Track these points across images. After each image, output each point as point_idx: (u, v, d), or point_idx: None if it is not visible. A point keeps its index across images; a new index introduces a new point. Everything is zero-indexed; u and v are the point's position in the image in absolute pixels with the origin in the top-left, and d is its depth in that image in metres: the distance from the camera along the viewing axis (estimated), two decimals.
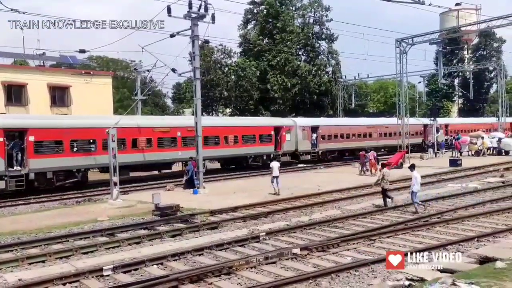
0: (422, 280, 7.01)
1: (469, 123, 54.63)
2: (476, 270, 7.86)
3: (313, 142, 36.09)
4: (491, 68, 64.22)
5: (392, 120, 45.08)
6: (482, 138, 37.54)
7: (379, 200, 17.42)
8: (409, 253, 9.87)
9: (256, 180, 26.63)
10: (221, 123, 32.20)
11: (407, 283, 7.20)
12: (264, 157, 32.60)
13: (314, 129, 36.43)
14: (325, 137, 37.15)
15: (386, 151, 41.20)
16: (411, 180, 15.46)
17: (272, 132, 33.28)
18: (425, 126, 45.68)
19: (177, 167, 31.02)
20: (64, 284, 8.84)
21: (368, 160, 26.71)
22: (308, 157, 36.28)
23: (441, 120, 47.66)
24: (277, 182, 19.45)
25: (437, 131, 43.74)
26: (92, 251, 11.29)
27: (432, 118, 42.15)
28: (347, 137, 38.96)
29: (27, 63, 40.01)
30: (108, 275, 9.25)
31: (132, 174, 26.20)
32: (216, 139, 29.75)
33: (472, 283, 6.48)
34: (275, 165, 19.86)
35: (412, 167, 16.16)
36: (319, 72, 55.99)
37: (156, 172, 28.95)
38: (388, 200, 15.94)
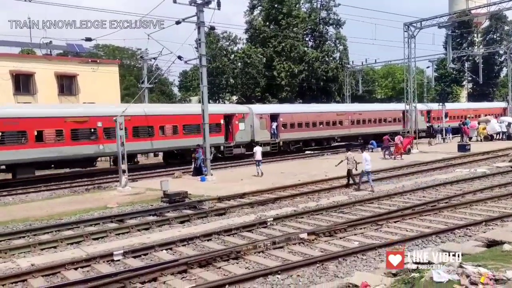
0: (429, 263, 7.03)
1: (456, 108, 50.02)
2: (484, 253, 7.88)
3: (273, 131, 32.45)
4: (501, 52, 63.24)
5: (368, 106, 43.81)
6: (479, 123, 37.33)
7: (386, 186, 17.46)
8: (416, 238, 9.99)
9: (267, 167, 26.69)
10: (156, 111, 27.43)
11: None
12: (212, 149, 27.80)
13: (274, 117, 32.66)
14: (287, 126, 33.37)
15: (363, 141, 36.31)
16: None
17: (222, 121, 29.33)
18: (403, 112, 41.07)
19: (105, 163, 27.70)
20: (75, 269, 9.01)
21: (393, 145, 27.32)
22: (268, 148, 31.95)
23: (420, 106, 43.26)
24: (259, 165, 21.57)
25: (428, 117, 44.21)
26: (102, 237, 11.47)
27: (441, 103, 41.79)
28: (313, 126, 35.05)
29: (34, 52, 40.17)
30: (118, 260, 9.41)
31: (39, 172, 23.49)
32: (150, 130, 25.90)
33: (479, 265, 6.48)
34: (258, 150, 21.96)
35: (362, 149, 18.91)
36: (326, 58, 55.60)
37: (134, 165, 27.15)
38: (371, 182, 16.75)
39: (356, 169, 17.41)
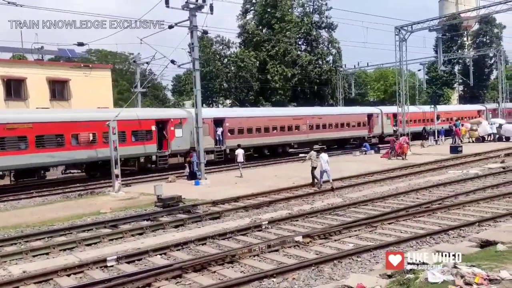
0: (423, 264, 7.06)
1: (427, 111, 45.72)
2: (477, 254, 7.92)
3: (218, 138, 29.39)
4: (491, 55, 63.91)
5: (329, 110, 41.07)
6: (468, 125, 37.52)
7: (380, 188, 17.54)
8: (410, 239, 10.03)
9: (260, 170, 26.70)
10: (68, 118, 23.24)
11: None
12: (142, 160, 25.83)
13: (219, 121, 29.65)
14: (234, 132, 30.22)
15: (324, 147, 30.94)
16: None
17: (153, 127, 25.94)
18: (370, 115, 40.80)
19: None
20: (68, 275, 8.91)
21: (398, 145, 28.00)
22: (212, 156, 29.29)
23: (386, 109, 42.88)
24: (241, 165, 22.81)
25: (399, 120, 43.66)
26: (95, 243, 11.36)
27: (432, 106, 42.10)
28: (266, 131, 31.91)
29: (26, 57, 39.88)
30: (112, 266, 9.33)
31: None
32: (60, 139, 22.28)
33: (473, 266, 6.52)
34: (240, 152, 22.99)
35: (320, 151, 19.98)
36: (320, 61, 55.85)
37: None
38: (330, 178, 17.92)
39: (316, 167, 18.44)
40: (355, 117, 39.49)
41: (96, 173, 24.75)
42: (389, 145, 30.21)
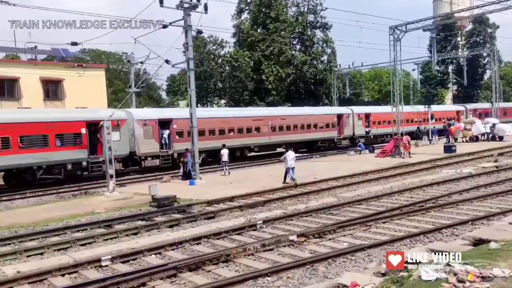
0: (417, 262, 7.11)
1: (421, 111, 44.41)
2: (471, 252, 7.97)
3: (164, 141, 27.06)
4: (485, 54, 64.35)
5: (294, 110, 38.48)
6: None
7: (374, 187, 17.62)
8: (404, 238, 10.09)
9: (256, 170, 26.74)
10: None
11: None
12: (69, 167, 23.03)
13: (165, 123, 27.27)
14: (183, 134, 27.14)
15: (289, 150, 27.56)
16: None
17: (83, 130, 23.26)
18: (340, 116, 38.66)
19: None
20: (62, 275, 8.88)
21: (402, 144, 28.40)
22: (157, 162, 27.17)
23: (357, 109, 41.44)
24: (226, 164, 23.72)
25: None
26: (90, 243, 11.32)
27: (427, 106, 42.27)
28: (221, 134, 29.71)
29: (19, 57, 39.66)
30: (106, 266, 9.31)
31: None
32: None
33: (466, 263, 6.57)
34: (224, 152, 23.65)
35: (287, 149, 20.66)
36: (315, 61, 55.97)
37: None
38: (293, 176, 18.80)
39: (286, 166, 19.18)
40: (323, 118, 37.14)
41: (15, 182, 22.47)
42: (385, 145, 30.40)
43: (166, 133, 27.15)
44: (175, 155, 27.00)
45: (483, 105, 56.37)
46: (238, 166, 28.37)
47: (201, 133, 27.19)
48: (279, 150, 33.45)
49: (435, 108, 49.33)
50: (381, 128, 41.39)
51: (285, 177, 19.10)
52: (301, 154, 34.47)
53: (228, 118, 31.02)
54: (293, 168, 18.91)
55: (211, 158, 28.92)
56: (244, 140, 30.90)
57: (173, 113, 29.24)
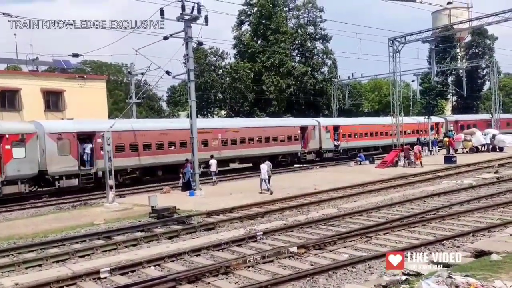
0: (418, 274, 7.06)
1: (369, 124, 42.49)
2: (472, 264, 7.92)
3: (86, 157, 23.79)
4: (484, 66, 64.67)
5: (250, 122, 35.51)
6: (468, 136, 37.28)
7: (375, 198, 17.57)
8: (405, 250, 10.02)
9: (254, 181, 26.68)
10: None
11: (403, 278, 7.24)
12: None
13: (86, 137, 23.90)
14: (122, 149, 24.44)
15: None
16: None
17: None
18: (304, 128, 35.54)
19: None
20: (61, 287, 8.81)
21: (412, 153, 28.71)
22: (75, 181, 23.15)
23: (325, 121, 38.90)
24: (214, 174, 24.24)
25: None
26: (88, 254, 11.27)
27: (427, 116, 42.34)
28: (159, 148, 26.41)
29: (20, 68, 39.88)
30: (105, 278, 9.24)
31: None
32: None
33: (468, 276, 6.53)
34: (213, 162, 24.12)
35: (263, 161, 21.35)
36: (315, 72, 56.25)
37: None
38: (268, 186, 19.97)
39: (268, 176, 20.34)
40: (284, 130, 34.06)
41: None
42: (386, 155, 30.42)
43: (88, 148, 23.80)
44: (100, 173, 23.56)
45: (465, 117, 55.17)
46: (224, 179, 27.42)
47: (133, 147, 25.11)
48: (232, 166, 31.14)
49: (406, 120, 45.35)
50: (352, 141, 38.93)
51: (261, 185, 20.32)
52: (300, 165, 34.37)
53: (167, 131, 27.28)
54: (265, 179, 20.01)
55: (148, 176, 26.49)
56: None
57: (97, 125, 24.67)
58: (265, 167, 20.33)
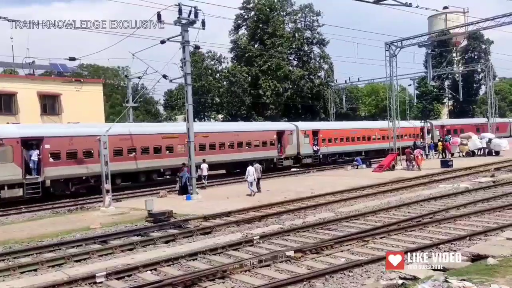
0: (415, 278, 7.06)
1: (351, 128, 40.88)
2: (468, 268, 7.93)
3: (33, 165, 21.98)
4: (479, 70, 65.01)
5: (221, 126, 33.44)
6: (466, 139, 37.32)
7: (372, 202, 17.58)
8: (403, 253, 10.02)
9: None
10: None
11: (400, 282, 7.24)
12: None
13: (32, 143, 22.35)
14: (61, 156, 22.89)
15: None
16: None
17: None
18: (281, 133, 33.85)
19: None
20: None
21: (414, 157, 28.73)
22: (19, 192, 21.35)
23: (303, 125, 37.33)
24: (205, 178, 24.68)
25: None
26: (84, 259, 11.21)
27: (423, 120, 42.44)
28: (117, 154, 24.44)
29: (17, 72, 39.77)
30: (101, 282, 9.20)
31: None
32: None
33: (464, 280, 6.53)
34: (204, 166, 24.53)
35: (250, 165, 21.77)
36: (311, 76, 56.42)
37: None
38: (252, 189, 20.83)
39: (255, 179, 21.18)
40: (259, 135, 32.18)
41: None
42: (382, 159, 30.46)
43: (34, 154, 22.02)
44: (48, 182, 22.18)
45: (452, 121, 55.05)
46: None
47: (87, 154, 23.27)
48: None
49: (372, 124, 45.29)
50: (333, 146, 37.58)
51: (257, 187, 21.37)
52: (297, 169, 34.35)
53: (127, 136, 25.19)
54: (251, 183, 20.83)
55: (144, 179, 25.36)
56: (150, 162, 25.31)
57: (45, 130, 23.36)
58: (251, 169, 20.95)
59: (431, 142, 40.38)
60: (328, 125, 40.91)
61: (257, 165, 22.32)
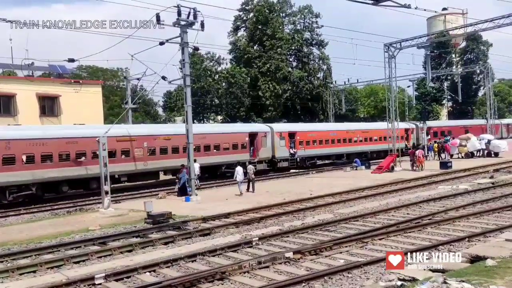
0: (413, 279, 7.06)
1: (330, 130, 38.88)
2: (467, 269, 7.93)
3: None
4: (478, 71, 65.12)
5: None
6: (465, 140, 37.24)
7: (371, 203, 17.58)
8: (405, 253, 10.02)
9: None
10: None
11: (399, 283, 7.24)
12: None
13: None
14: (12, 161, 20.96)
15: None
16: None
17: None
18: (253, 135, 31.89)
19: None
20: None
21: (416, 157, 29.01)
22: None
23: (279, 127, 35.55)
24: (197, 179, 24.16)
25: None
26: (83, 260, 11.20)
27: (422, 122, 42.43)
28: (63, 160, 22.69)
29: (16, 74, 39.79)
30: (100, 284, 9.19)
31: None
32: None
33: (463, 281, 6.53)
34: (196, 165, 23.86)
35: (236, 165, 22.86)
36: (311, 78, 56.49)
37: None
38: (241, 189, 21.68)
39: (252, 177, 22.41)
40: (229, 137, 30.15)
41: None
42: (382, 160, 30.47)
43: None
44: None
45: (439, 123, 54.46)
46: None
47: (30, 159, 21.30)
48: (162, 178, 27.65)
49: (372, 125, 44.00)
50: (310, 149, 35.73)
51: (248, 186, 22.21)
52: (297, 170, 34.28)
53: (73, 139, 23.08)
54: (241, 181, 21.78)
55: (51, 193, 23.21)
56: (90, 168, 22.99)
57: None
58: (240, 169, 21.89)
59: (429, 143, 40.22)
60: (306, 127, 39.11)
61: (250, 166, 22.99)
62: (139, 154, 25.49)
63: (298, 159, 35.00)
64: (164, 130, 28.36)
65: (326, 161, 37.91)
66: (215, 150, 29.36)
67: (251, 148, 31.61)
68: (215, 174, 30.03)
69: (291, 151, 34.43)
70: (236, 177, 21.98)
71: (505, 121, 63.65)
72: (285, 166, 33.69)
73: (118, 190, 24.45)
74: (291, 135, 34.78)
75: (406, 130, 43.05)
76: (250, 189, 22.29)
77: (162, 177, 28.50)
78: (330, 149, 37.57)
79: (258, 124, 37.98)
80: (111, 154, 22.88)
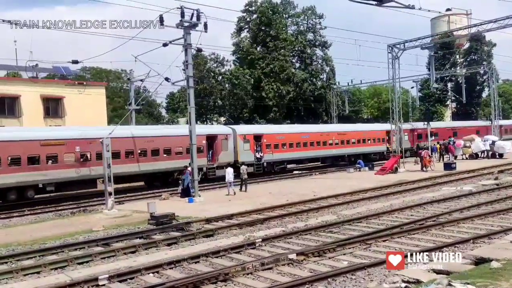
0: (418, 281, 7.02)
1: (301, 132, 35.80)
2: (472, 271, 7.88)
3: None
4: (482, 72, 64.81)
5: (137, 131, 26.77)
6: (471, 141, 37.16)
7: (374, 205, 17.53)
8: (405, 256, 9.97)
9: (255, 187, 26.63)
10: None
11: (403, 285, 7.21)
12: None
13: None
14: None
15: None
16: None
17: None
18: (212, 137, 29.03)
19: None
20: None
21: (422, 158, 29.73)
22: None
23: (243, 129, 32.85)
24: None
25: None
26: (87, 261, 11.22)
27: (425, 123, 42.25)
28: (24, 163, 21.33)
29: (20, 75, 39.96)
30: (103, 285, 9.20)
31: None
32: None
33: (468, 283, 6.49)
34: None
35: (227, 166, 23.87)
36: (314, 79, 56.45)
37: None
38: (231, 190, 22.33)
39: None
40: (181, 140, 26.18)
41: None
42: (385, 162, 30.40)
43: None
44: None
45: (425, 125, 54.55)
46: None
47: None
48: (100, 187, 22.57)
49: (354, 127, 41.93)
50: (279, 153, 32.92)
51: (228, 189, 22.56)
52: (300, 172, 34.22)
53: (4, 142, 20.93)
54: (230, 183, 22.40)
55: (15, 197, 21.64)
56: (31, 174, 21.05)
57: None
58: (230, 170, 22.61)
59: (434, 144, 40.03)
60: (274, 129, 35.76)
61: (244, 167, 24.13)
62: (69, 160, 22.88)
63: (264, 163, 31.98)
64: (105, 133, 21.18)
65: (298, 166, 36.05)
66: (165, 155, 26.52)
67: (210, 152, 28.87)
68: (166, 181, 27.09)
69: (257, 155, 31.52)
70: (227, 179, 22.53)
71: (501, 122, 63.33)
72: (250, 171, 28.33)
73: (121, 192, 24.50)
74: (257, 137, 31.86)
75: (388, 132, 39.01)
76: (243, 188, 23.32)
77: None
78: (301, 153, 34.70)
79: (218, 126, 35.73)
80: (34, 161, 21.67)
